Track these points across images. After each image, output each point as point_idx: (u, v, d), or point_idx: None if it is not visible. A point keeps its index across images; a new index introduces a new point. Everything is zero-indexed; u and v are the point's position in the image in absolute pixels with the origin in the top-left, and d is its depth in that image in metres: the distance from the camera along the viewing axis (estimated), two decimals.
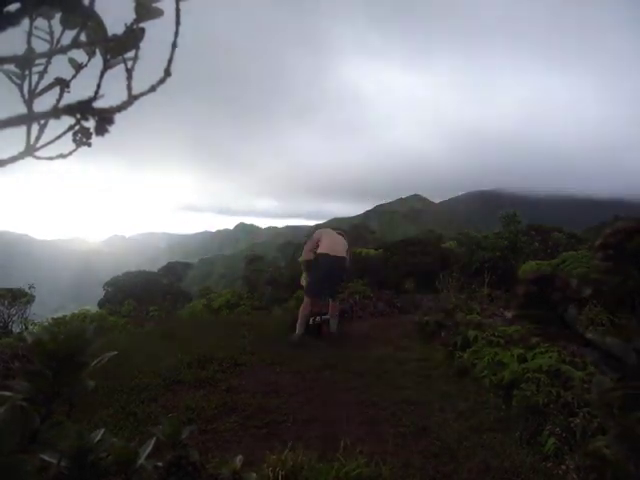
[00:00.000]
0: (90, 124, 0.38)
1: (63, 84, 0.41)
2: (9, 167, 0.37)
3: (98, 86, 0.39)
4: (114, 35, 0.39)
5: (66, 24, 0.38)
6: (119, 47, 0.40)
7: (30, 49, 0.38)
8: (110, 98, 0.38)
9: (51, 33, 0.40)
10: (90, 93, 0.38)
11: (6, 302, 8.03)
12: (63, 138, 0.39)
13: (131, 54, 0.40)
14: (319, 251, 5.60)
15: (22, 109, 0.38)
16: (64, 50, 0.38)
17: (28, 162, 0.39)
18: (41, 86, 0.40)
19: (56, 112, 0.36)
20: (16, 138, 0.38)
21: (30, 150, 0.38)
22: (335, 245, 5.63)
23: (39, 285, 9.15)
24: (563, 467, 2.31)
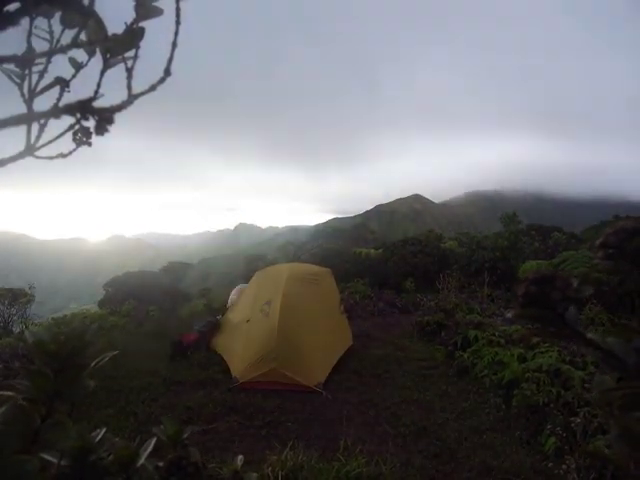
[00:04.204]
0: (90, 123, 0.38)
1: (63, 83, 0.41)
2: (9, 167, 0.37)
3: (98, 85, 0.39)
4: (114, 34, 0.39)
5: (66, 23, 0.38)
6: (119, 46, 0.40)
7: (30, 48, 0.38)
8: (110, 97, 0.38)
9: (51, 32, 0.40)
10: (90, 92, 0.38)
11: (6, 302, 8.03)
12: (63, 138, 0.39)
13: (131, 53, 0.40)
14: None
15: (22, 109, 0.38)
16: (64, 49, 0.38)
17: (28, 162, 0.38)
18: (41, 85, 0.40)
19: (56, 111, 0.36)
20: (16, 138, 0.38)
21: (30, 150, 0.38)
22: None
23: (39, 285, 9.16)
24: (563, 467, 2.30)
